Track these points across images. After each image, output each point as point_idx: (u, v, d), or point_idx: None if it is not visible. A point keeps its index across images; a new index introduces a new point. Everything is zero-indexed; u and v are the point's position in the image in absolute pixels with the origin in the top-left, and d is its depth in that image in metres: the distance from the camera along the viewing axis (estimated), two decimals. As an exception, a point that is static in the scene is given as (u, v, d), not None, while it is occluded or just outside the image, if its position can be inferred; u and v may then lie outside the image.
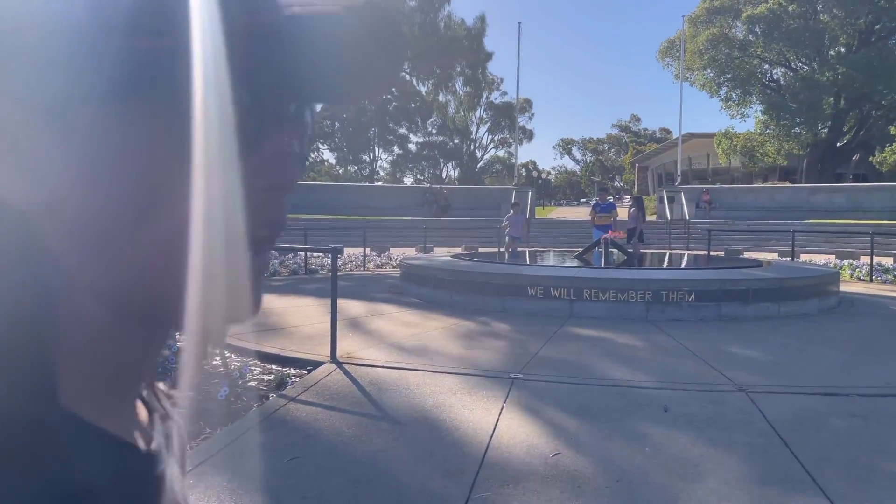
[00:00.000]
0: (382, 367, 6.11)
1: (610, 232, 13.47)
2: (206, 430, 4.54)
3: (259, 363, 6.39)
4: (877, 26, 40.56)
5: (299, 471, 3.86)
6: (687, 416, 4.76)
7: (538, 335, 7.45)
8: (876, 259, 17.12)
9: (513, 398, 5.14)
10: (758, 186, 35.84)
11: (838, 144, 44.54)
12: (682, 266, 11.79)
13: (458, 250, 20.60)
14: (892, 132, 45.42)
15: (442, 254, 14.24)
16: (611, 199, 16.56)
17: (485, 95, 66.29)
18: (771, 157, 45.31)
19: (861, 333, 7.75)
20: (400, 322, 8.40)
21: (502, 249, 17.09)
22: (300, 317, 8.56)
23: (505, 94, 76.38)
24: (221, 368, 6.23)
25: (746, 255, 19.39)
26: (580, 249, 13.63)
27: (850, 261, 17.77)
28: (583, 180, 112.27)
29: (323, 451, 4.17)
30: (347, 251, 19.37)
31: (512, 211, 15.77)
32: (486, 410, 4.89)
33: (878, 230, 18.07)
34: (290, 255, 16.04)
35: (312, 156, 76.46)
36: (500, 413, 4.84)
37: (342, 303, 9.68)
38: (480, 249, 20.74)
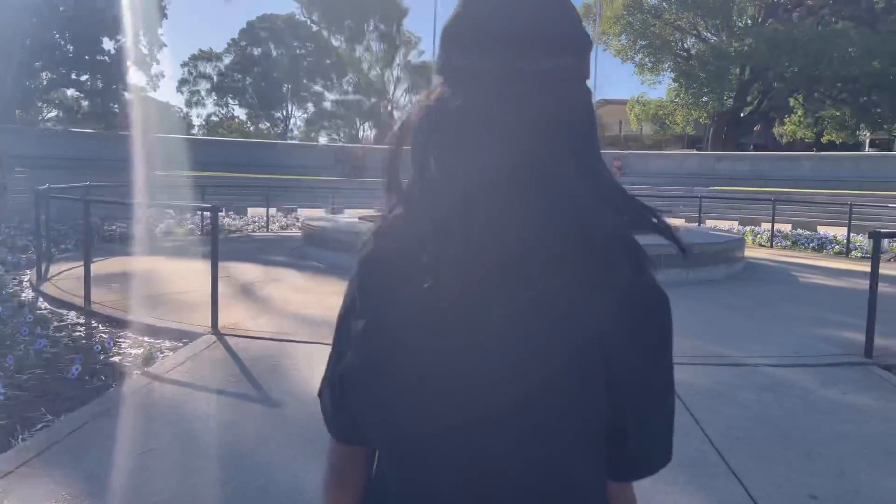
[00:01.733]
0: (270, 339, 5.53)
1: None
2: (46, 417, 3.87)
3: (130, 335, 5.68)
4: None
5: (151, 467, 3.27)
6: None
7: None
8: (776, 225, 17.63)
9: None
10: (667, 153, 36.62)
11: (742, 115, 46.03)
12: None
13: (369, 212, 19.96)
14: (792, 104, 47.46)
15: (350, 215, 13.59)
16: None
17: (401, 54, 64.88)
18: (680, 125, 46.41)
19: (766, 300, 7.71)
20: (296, 288, 7.78)
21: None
22: (186, 282, 7.81)
23: (423, 53, 75.05)
24: (83, 340, 5.49)
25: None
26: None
27: (752, 227, 18.25)
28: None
29: (185, 440, 3.59)
30: (252, 211, 18.41)
31: None
32: (380, 388, 4.42)
33: (779, 198, 18.60)
34: (189, 215, 14.99)
35: (221, 111, 73.27)
36: (395, 391, 4.37)
37: (236, 267, 8.97)
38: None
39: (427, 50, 77.73)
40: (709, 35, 45.03)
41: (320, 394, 0.93)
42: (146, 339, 5.59)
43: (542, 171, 0.72)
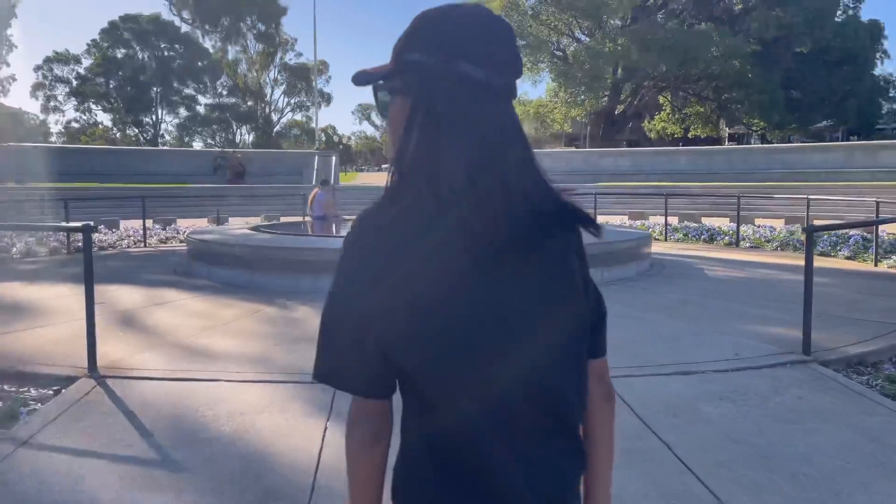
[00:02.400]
0: (162, 378, 4.70)
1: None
2: None
3: (-15, 384, 4.67)
4: (649, 2, 43.78)
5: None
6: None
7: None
8: (669, 219, 18.13)
9: (338, 409, 4.04)
10: (553, 151, 37.35)
11: (616, 113, 47.82)
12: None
13: (258, 220, 18.81)
14: (662, 101, 49.86)
15: (239, 225, 12.59)
16: None
17: (279, 56, 62.83)
18: (559, 123, 47.62)
19: (685, 297, 7.60)
20: (187, 312, 6.89)
21: (305, 221, 15.71)
22: (54, 313, 6.73)
23: (300, 55, 73.13)
24: (-79, 399, 4.44)
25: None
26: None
27: (642, 221, 18.69)
28: (384, 146, 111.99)
29: (64, 531, 2.80)
30: (125, 224, 16.86)
31: (319, 188, 13.30)
32: (307, 433, 3.75)
33: (672, 192, 19.16)
34: (49, 233, 13.37)
35: (83, 117, 68.17)
36: (325, 434, 3.73)
37: (114, 291, 7.91)
38: (282, 219, 19.13)
39: (304, 51, 75.94)
40: (581, 35, 46.50)
41: (337, 359, 1.02)
42: (5, 387, 4.62)
43: (512, 167, 0.99)
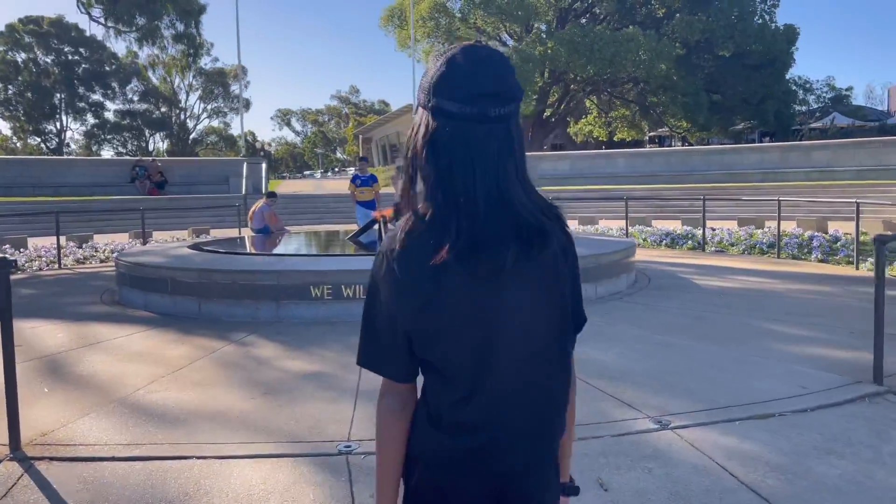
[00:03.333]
0: (114, 458, 3.58)
1: (377, 211, 11.61)
2: None
3: None
4: (575, 4, 44.03)
5: None
6: (622, 493, 3.11)
7: (346, 356, 5.37)
8: (618, 223, 17.70)
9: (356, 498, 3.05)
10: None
11: (544, 116, 47.87)
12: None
13: (185, 235, 17.30)
14: (588, 105, 50.32)
15: (172, 244, 11.22)
16: (372, 170, 14.68)
17: (194, 59, 60.03)
18: (489, 127, 47.15)
19: (698, 314, 6.90)
20: (128, 355, 5.68)
21: (244, 235, 14.41)
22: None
23: (217, 59, 70.46)
24: None
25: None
26: (343, 230, 11.62)
27: (594, 225, 18.21)
28: (305, 152, 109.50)
29: None
30: (35, 242, 15.06)
31: (264, 200, 11.96)
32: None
33: (631, 195, 18.74)
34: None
35: (-21, 125, 63.20)
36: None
37: (32, 329, 6.59)
38: (214, 233, 17.67)
39: (221, 56, 72.99)
40: (507, 38, 46.32)
41: (376, 350, 1.27)
42: None
43: (500, 184, 1.19)
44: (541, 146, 46.79)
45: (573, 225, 18.01)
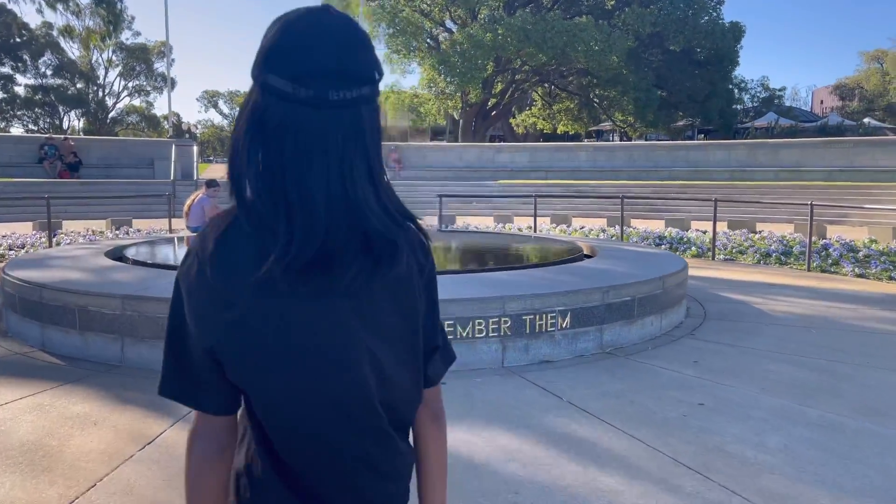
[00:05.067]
0: None
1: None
2: None
3: None
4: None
5: None
6: None
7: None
8: (593, 222, 16.15)
9: None
10: (447, 145, 34.94)
11: (488, 107, 46.30)
12: (515, 264, 7.24)
13: (104, 227, 14.68)
14: (534, 96, 49.05)
15: (84, 248, 8.77)
16: None
17: (114, 29, 55.46)
18: (433, 115, 45.40)
19: (826, 367, 5.18)
20: (5, 446, 3.52)
21: (180, 232, 12.04)
22: None
23: (139, 34, 65.83)
24: None
25: (461, 221, 17.18)
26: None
27: (564, 225, 16.57)
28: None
29: None
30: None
31: (203, 191, 9.70)
32: None
33: (611, 194, 17.20)
34: None
35: None
36: None
37: None
38: (138, 225, 15.12)
39: (144, 32, 68.26)
40: (453, 25, 44.47)
41: (183, 376, 1.05)
42: None
43: (345, 184, 0.95)
44: (483, 137, 45.22)
45: (544, 224, 16.33)
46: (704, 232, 14.23)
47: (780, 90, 55.71)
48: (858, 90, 64.19)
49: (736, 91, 48.85)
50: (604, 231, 14.74)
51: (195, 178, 22.90)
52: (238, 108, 1.01)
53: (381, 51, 43.18)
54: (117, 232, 14.00)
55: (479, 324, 4.79)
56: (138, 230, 14.14)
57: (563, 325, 5.07)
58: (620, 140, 46.45)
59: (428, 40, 42.95)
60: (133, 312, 4.87)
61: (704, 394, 4.35)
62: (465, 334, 4.77)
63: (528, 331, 4.94)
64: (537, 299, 4.97)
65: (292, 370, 0.98)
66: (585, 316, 5.18)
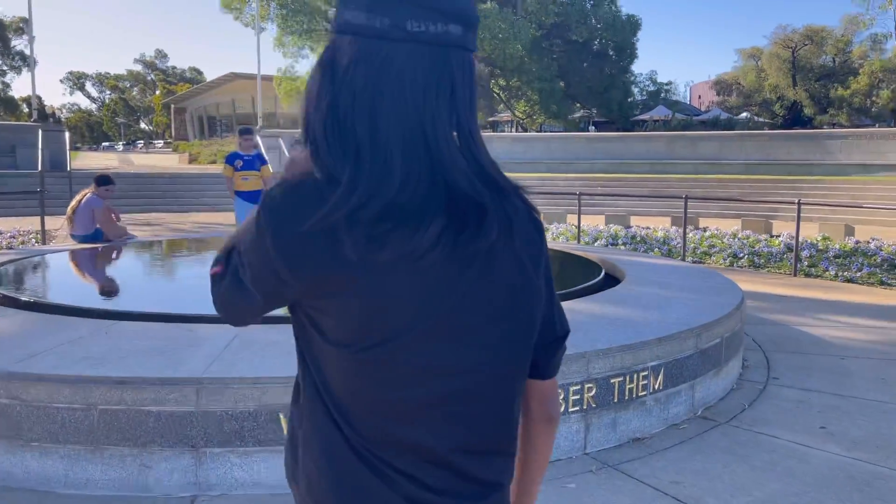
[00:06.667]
0: None
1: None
2: None
3: None
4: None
5: None
6: None
7: None
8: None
9: None
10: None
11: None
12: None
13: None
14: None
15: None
16: (259, 149, 10.49)
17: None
18: (330, 102, 43.13)
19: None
20: None
21: (61, 237, 9.75)
22: None
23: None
24: None
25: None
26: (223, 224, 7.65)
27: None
28: (104, 121, 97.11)
29: None
30: None
31: (91, 190, 7.56)
32: None
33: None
34: None
35: None
36: None
37: None
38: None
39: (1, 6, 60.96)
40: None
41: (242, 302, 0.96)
42: None
43: (425, 130, 0.86)
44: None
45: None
46: (647, 228, 13.38)
47: (666, 84, 57.35)
48: (736, 86, 67.23)
49: (631, 84, 49.77)
50: (546, 228, 13.58)
51: (68, 168, 19.90)
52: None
53: (271, 33, 40.62)
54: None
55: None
56: (1, 232, 11.54)
57: (657, 387, 3.67)
58: (517, 132, 46.00)
59: (325, 22, 40.54)
60: (18, 401, 3.01)
61: (883, 487, 3.08)
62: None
63: (615, 398, 3.50)
64: (628, 353, 3.53)
65: (379, 329, 0.88)
66: (678, 370, 3.80)
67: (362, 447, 0.92)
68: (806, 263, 9.82)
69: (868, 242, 11.40)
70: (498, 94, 44.21)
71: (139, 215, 16.37)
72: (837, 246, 11.11)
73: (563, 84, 41.77)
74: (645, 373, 3.60)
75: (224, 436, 2.97)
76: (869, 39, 48.52)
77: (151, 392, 2.95)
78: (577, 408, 3.38)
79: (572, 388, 3.34)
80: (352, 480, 0.92)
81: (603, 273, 5.60)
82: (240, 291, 0.93)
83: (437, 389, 0.91)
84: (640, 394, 3.59)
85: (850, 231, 12.71)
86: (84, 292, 5.06)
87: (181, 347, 3.36)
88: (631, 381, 3.54)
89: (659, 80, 56.14)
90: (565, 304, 4.46)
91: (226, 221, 15.76)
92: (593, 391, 3.40)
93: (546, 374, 1.05)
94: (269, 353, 3.23)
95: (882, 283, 8.79)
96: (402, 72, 0.85)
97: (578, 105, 46.52)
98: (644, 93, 53.85)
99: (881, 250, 10.53)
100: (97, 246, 7.16)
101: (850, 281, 8.99)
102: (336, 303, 0.87)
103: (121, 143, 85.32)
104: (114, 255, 6.91)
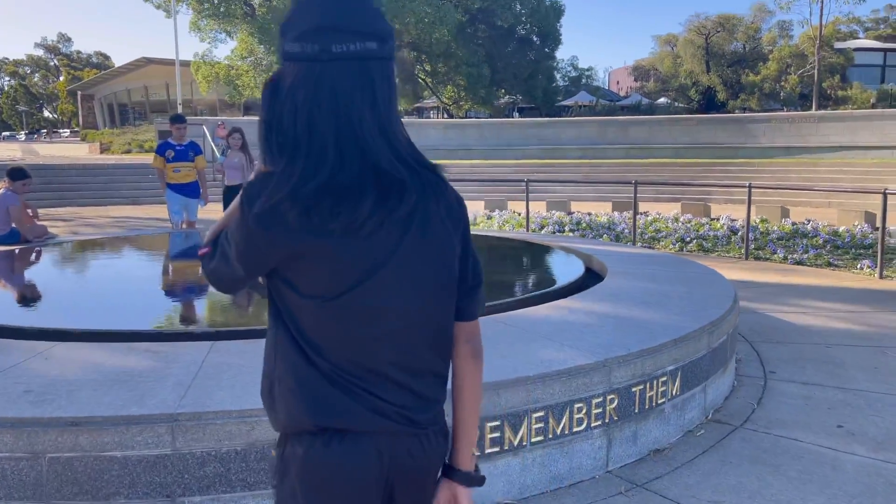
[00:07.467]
0: None
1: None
2: None
3: None
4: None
5: None
6: None
7: None
8: (477, 206, 14.72)
9: None
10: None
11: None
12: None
13: None
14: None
15: None
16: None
17: None
18: (251, 89, 41.61)
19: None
20: None
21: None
22: None
23: None
24: None
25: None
26: (156, 219, 7.00)
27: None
28: (4, 109, 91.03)
29: None
30: None
31: (4, 184, 6.76)
32: None
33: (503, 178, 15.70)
34: None
35: None
36: None
37: None
38: None
39: None
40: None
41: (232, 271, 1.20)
42: None
43: (353, 126, 1.10)
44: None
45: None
46: (590, 214, 13.32)
47: (587, 70, 58.12)
48: (654, 72, 68.81)
49: (554, 70, 50.11)
50: (489, 217, 13.31)
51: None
52: None
53: (186, 16, 38.74)
54: None
55: (580, 410, 2.96)
56: None
57: (675, 392, 3.39)
58: (443, 118, 45.63)
59: (243, 5, 38.96)
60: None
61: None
62: (558, 431, 2.92)
63: (636, 409, 3.20)
64: (648, 358, 3.22)
65: (339, 286, 1.13)
66: (693, 373, 3.54)
67: (332, 373, 1.15)
68: (753, 246, 9.89)
69: (804, 223, 11.67)
70: (424, 80, 43.67)
71: (51, 210, 15.18)
72: (777, 228, 11.30)
73: (489, 70, 41.65)
74: (664, 378, 3.31)
75: (206, 481, 2.49)
76: (777, 26, 50.55)
77: (114, 434, 2.44)
78: (598, 422, 3.05)
79: (594, 401, 3.01)
80: (325, 399, 1.15)
81: (584, 267, 5.31)
82: (227, 266, 1.18)
83: (388, 325, 1.16)
84: (659, 401, 3.30)
85: (785, 213, 12.98)
86: (8, 306, 4.37)
87: (144, 374, 2.84)
88: (651, 389, 3.25)
89: (580, 66, 56.87)
90: (562, 303, 4.18)
91: (147, 215, 14.78)
92: (615, 402, 3.09)
93: (467, 316, 1.28)
94: (250, 377, 2.76)
95: (829, 265, 8.91)
96: (333, 85, 1.08)
97: (503, 91, 46.47)
98: (566, 79, 54.40)
99: (820, 231, 10.76)
100: (14, 248, 6.39)
101: (799, 263, 9.09)
102: (306, 265, 1.11)
103: (23, 132, 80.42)
104: (35, 259, 6.16)
